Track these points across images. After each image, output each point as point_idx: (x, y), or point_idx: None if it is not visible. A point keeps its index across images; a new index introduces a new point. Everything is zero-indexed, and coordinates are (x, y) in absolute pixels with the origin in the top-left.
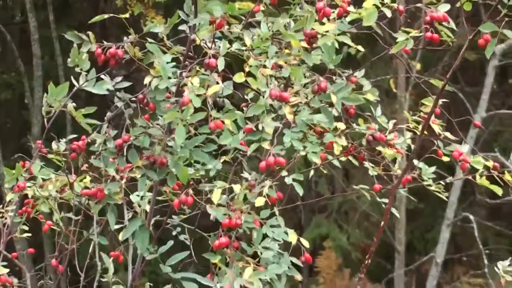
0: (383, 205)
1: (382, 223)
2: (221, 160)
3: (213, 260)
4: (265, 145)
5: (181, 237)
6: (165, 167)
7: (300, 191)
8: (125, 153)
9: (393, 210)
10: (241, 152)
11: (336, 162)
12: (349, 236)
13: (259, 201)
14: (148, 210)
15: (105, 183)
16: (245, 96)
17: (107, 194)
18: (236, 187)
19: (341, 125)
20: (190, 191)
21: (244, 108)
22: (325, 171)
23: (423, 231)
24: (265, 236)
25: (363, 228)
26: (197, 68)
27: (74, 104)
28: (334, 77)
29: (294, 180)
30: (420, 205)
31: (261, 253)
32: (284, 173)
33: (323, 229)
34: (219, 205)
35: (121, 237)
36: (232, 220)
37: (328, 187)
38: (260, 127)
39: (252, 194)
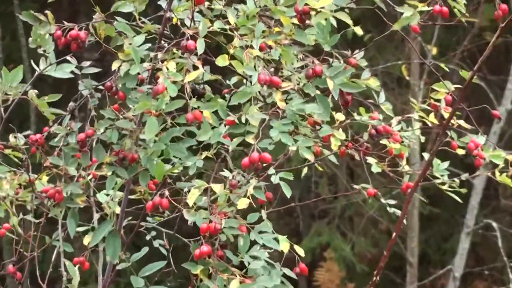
0: (388, 208)
1: (394, 234)
2: (203, 156)
3: (193, 271)
4: (250, 139)
5: (156, 243)
6: (137, 163)
7: (287, 192)
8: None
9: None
10: (225, 147)
11: (332, 159)
12: (353, 245)
13: (242, 203)
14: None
15: (65, 184)
16: (227, 81)
17: (66, 196)
18: (216, 187)
19: (340, 116)
20: (166, 193)
21: (226, 95)
22: (321, 169)
23: (439, 240)
24: (253, 243)
25: (370, 236)
26: (174, 51)
27: (36, 91)
28: (331, 60)
29: (281, 179)
30: (436, 210)
31: (249, 263)
32: (271, 171)
33: (324, 237)
34: (199, 208)
35: (86, 242)
36: (211, 225)
37: (329, 188)
38: (243, 119)
39: (235, 195)
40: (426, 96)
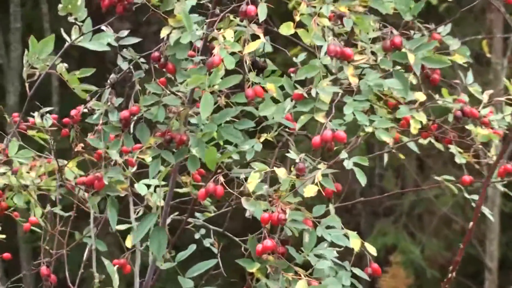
0: (473, 204)
1: (471, 224)
2: (261, 140)
3: (249, 269)
4: (320, 117)
5: (206, 242)
6: (185, 146)
7: (362, 180)
8: (132, 130)
9: (486, 211)
10: (286, 130)
11: (412, 146)
12: (423, 247)
13: (310, 191)
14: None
15: (105, 169)
16: (293, 59)
17: (107, 183)
18: (280, 172)
19: (420, 96)
20: (221, 178)
21: (292, 75)
22: (402, 157)
23: None
24: (319, 240)
25: (443, 238)
26: (231, 18)
27: (65, 65)
28: (411, 32)
29: (355, 164)
30: None
31: (315, 263)
32: (343, 154)
33: (389, 238)
34: (257, 197)
35: (129, 241)
36: (274, 215)
37: (396, 182)
38: (313, 93)
39: (301, 181)
40: (510, 76)
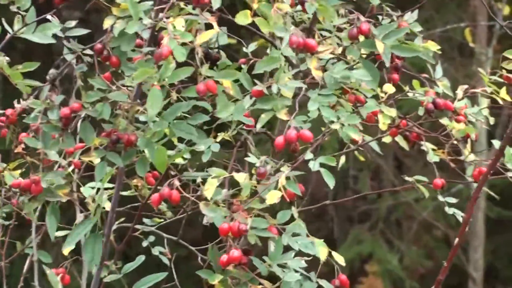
0: (447, 208)
1: (457, 240)
2: (218, 139)
3: (212, 281)
4: (282, 115)
5: (155, 251)
6: (133, 147)
7: (331, 182)
8: (77, 129)
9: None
10: (245, 128)
11: (374, 146)
12: (402, 256)
13: (273, 197)
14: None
15: (43, 173)
16: (244, 49)
17: (46, 187)
18: (240, 177)
19: (389, 88)
20: (176, 182)
21: (242, 66)
22: (362, 159)
23: (510, 251)
24: (285, 249)
25: (423, 245)
26: (182, 5)
27: (7, 58)
28: (380, 18)
29: (322, 165)
30: (507, 213)
31: (282, 274)
32: (308, 155)
33: (364, 246)
34: (217, 203)
35: (66, 251)
36: (234, 225)
37: (372, 184)
38: (274, 89)
39: (263, 186)
40: (495, 67)
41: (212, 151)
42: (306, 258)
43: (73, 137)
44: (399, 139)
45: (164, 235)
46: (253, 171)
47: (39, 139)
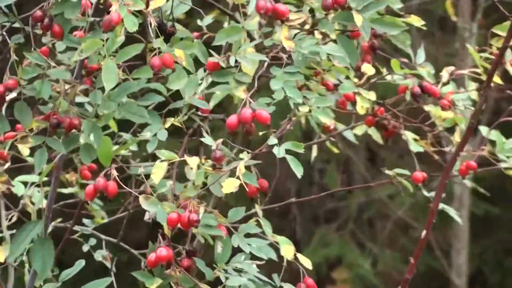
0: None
1: (424, 233)
2: (167, 125)
3: (148, 284)
4: (239, 92)
5: (98, 256)
6: (76, 133)
7: (298, 171)
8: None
9: (451, 212)
10: (198, 114)
11: (349, 135)
12: (375, 260)
13: (229, 186)
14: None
15: None
16: (198, 22)
17: None
18: (192, 161)
19: (368, 68)
20: (114, 172)
21: (195, 40)
22: (336, 150)
23: (499, 254)
24: (236, 250)
25: (399, 248)
26: None
27: None
28: None
29: (288, 152)
30: (495, 210)
31: (226, 278)
32: (272, 140)
33: (332, 249)
34: (161, 198)
35: (1, 257)
36: (184, 215)
37: (341, 179)
38: (232, 62)
39: (218, 174)
40: (481, 45)
41: (158, 140)
42: (259, 262)
43: (7, 120)
44: (372, 131)
45: (103, 237)
46: (205, 160)
47: None
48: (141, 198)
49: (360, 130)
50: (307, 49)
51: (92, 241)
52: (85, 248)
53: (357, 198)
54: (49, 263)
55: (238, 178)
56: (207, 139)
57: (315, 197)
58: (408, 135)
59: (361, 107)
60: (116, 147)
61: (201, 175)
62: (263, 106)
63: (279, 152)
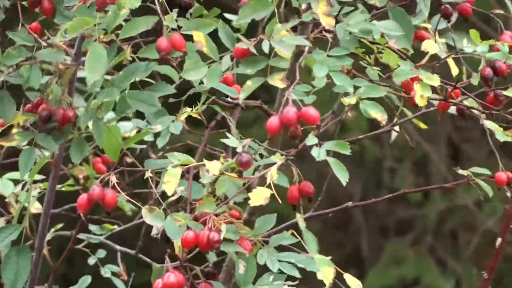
0: None
1: (499, 241)
2: (183, 116)
3: None
4: (276, 81)
5: (106, 272)
6: (73, 127)
7: (342, 176)
8: None
9: None
10: (224, 101)
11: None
12: (459, 281)
13: (258, 196)
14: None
15: None
16: None
17: None
18: (213, 166)
19: (431, 46)
20: (113, 178)
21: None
22: (422, 125)
23: None
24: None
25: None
26: None
27: None
28: None
29: (330, 153)
30: None
31: None
32: (311, 139)
33: (407, 268)
34: (177, 206)
35: None
36: (203, 235)
37: (416, 181)
38: (265, 48)
39: (243, 181)
40: None
41: (171, 133)
42: (291, 283)
43: None
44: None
45: (118, 247)
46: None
47: None
48: (144, 211)
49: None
50: (356, 27)
51: (101, 253)
52: (92, 261)
53: (436, 205)
54: (23, 276)
55: (270, 186)
56: (231, 140)
57: (378, 200)
58: (489, 124)
59: (421, 96)
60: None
61: (223, 184)
62: (301, 95)
63: (319, 154)
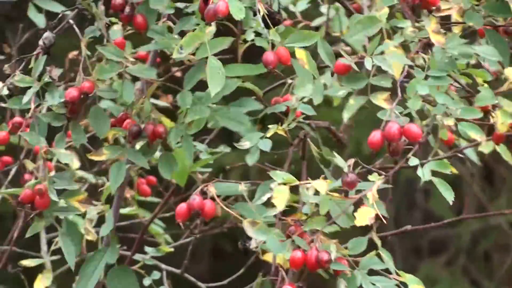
0: None
1: None
2: (270, 133)
3: None
4: (380, 101)
5: None
6: (163, 143)
7: (449, 196)
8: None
9: None
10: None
11: (471, 154)
12: None
13: (364, 217)
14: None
15: (49, 177)
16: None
17: (53, 199)
18: (320, 186)
19: None
20: (212, 190)
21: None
22: (454, 171)
23: None
24: None
25: None
26: None
27: None
28: None
29: (434, 174)
30: None
31: None
32: (413, 160)
33: None
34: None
35: (39, 284)
36: (311, 254)
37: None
38: (368, 65)
39: (349, 201)
40: None
41: (260, 150)
42: None
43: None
44: (502, 149)
45: (164, 266)
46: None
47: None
48: (246, 224)
49: (487, 147)
50: (456, 49)
51: (156, 274)
52: (147, 282)
53: (470, 225)
54: None
55: (373, 206)
56: (339, 159)
57: (438, 224)
58: None
59: (502, 123)
60: None
61: (326, 202)
62: (398, 112)
63: (423, 174)
